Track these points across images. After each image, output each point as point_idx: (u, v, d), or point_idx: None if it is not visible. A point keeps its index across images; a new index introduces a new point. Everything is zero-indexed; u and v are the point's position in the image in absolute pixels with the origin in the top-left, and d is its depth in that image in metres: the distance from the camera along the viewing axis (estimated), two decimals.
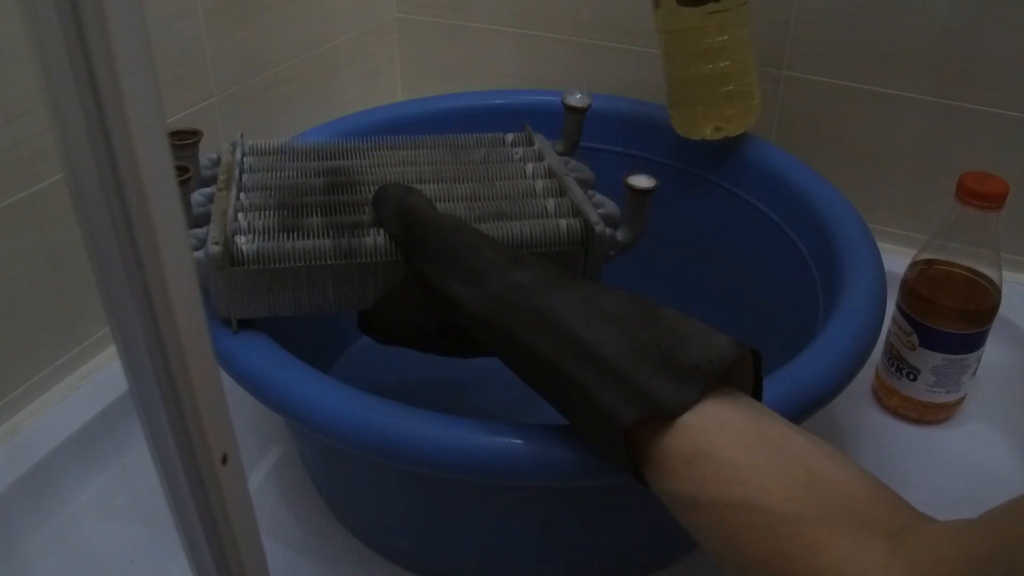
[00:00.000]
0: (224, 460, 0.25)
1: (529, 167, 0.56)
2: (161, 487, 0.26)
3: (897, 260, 0.66)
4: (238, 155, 0.55)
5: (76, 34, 0.18)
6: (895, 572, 0.29)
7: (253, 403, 0.45)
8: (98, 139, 0.19)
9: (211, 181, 0.53)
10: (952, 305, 0.60)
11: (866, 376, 0.68)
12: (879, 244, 0.56)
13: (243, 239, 0.47)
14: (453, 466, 0.41)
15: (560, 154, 0.60)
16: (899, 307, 0.63)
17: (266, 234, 0.47)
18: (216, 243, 0.46)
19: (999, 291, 0.60)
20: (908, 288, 0.62)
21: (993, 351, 0.67)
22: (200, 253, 0.46)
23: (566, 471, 0.41)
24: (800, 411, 0.43)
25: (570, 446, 0.41)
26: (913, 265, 0.62)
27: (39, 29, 0.18)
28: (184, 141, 0.51)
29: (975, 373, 0.63)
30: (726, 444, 0.34)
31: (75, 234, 0.59)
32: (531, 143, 0.59)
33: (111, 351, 0.66)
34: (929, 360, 0.62)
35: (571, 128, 0.61)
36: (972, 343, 0.61)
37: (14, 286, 0.58)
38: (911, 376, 0.63)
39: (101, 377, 0.64)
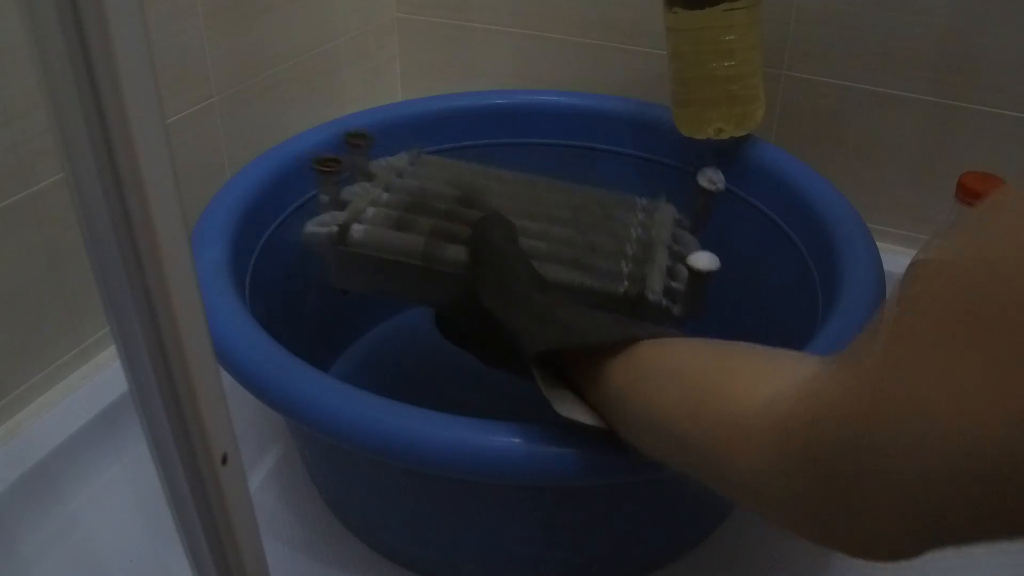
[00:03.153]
0: (224, 460, 0.25)
1: (634, 232, 0.58)
2: (161, 487, 0.26)
3: (897, 260, 0.66)
4: (406, 161, 0.62)
5: (76, 34, 0.18)
6: (808, 363, 0.30)
7: (253, 403, 0.45)
8: (98, 139, 0.19)
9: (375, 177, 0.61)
10: None
11: None
12: (879, 244, 0.56)
13: (358, 226, 0.53)
14: (453, 465, 0.41)
15: (689, 231, 0.62)
16: None
17: (381, 225, 0.53)
18: (337, 224, 0.53)
19: None
20: None
21: None
22: (325, 229, 0.53)
23: (565, 471, 0.41)
24: None
25: (569, 446, 0.41)
26: None
27: (39, 29, 0.18)
28: (325, 168, 0.57)
29: None
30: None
31: (75, 234, 0.59)
32: (654, 212, 0.62)
33: (111, 351, 0.66)
34: None
35: (699, 207, 0.63)
36: None
37: (14, 286, 0.58)
38: None
39: (101, 377, 0.64)
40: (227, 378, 0.45)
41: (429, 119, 0.71)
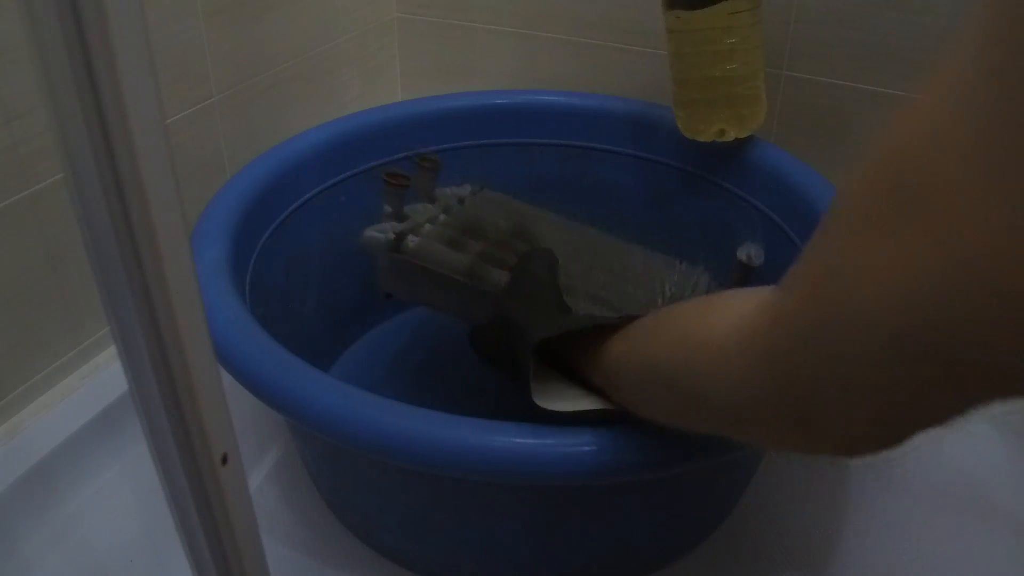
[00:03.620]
0: (224, 460, 0.25)
1: (669, 290, 0.61)
2: (161, 487, 0.26)
3: None
4: (468, 191, 0.66)
5: (76, 34, 0.18)
6: (767, 295, 0.32)
7: (253, 403, 0.45)
8: (98, 139, 0.19)
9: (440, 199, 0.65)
10: None
11: None
12: None
13: (413, 237, 0.58)
14: (454, 465, 0.41)
15: None
16: None
17: (433, 241, 0.57)
18: (394, 232, 0.57)
19: None
20: None
21: None
22: (382, 235, 0.58)
23: (566, 471, 0.41)
24: None
25: (571, 446, 0.41)
26: None
27: (39, 29, 0.18)
28: (393, 182, 0.61)
29: None
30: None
31: (75, 234, 0.59)
32: (691, 276, 0.63)
33: (111, 351, 0.66)
34: None
35: (736, 279, 0.64)
36: None
37: (14, 286, 0.58)
38: None
39: (101, 377, 0.64)
40: (226, 377, 0.45)
41: (429, 119, 0.71)
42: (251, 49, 0.73)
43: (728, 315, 0.33)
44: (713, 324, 0.34)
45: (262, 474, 0.60)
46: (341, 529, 0.56)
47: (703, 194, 0.69)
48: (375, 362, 0.64)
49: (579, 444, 0.41)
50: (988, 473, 0.61)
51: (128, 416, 0.60)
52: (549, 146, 0.73)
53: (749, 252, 0.64)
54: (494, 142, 0.72)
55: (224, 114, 0.72)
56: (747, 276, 0.64)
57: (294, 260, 0.64)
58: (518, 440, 0.41)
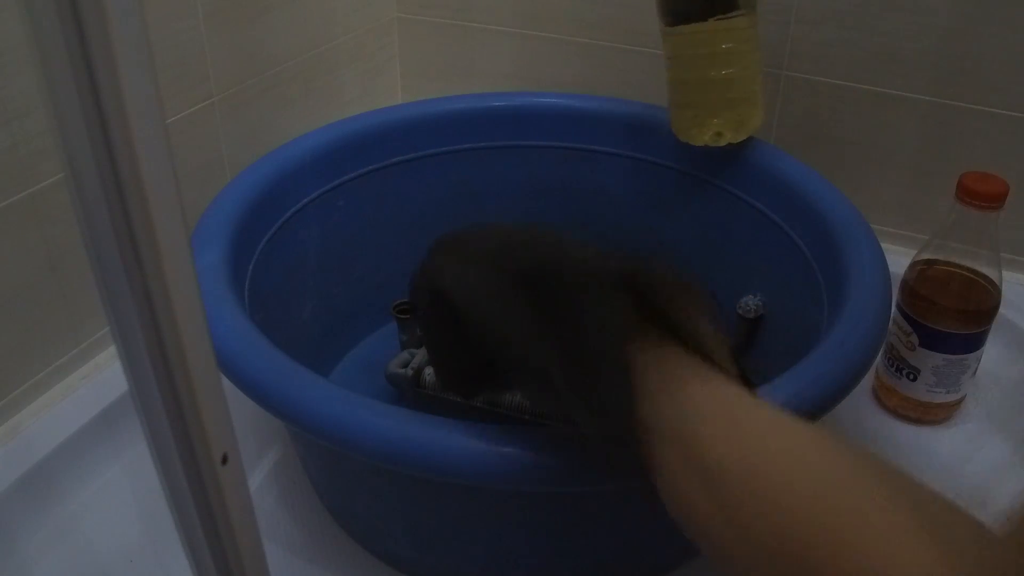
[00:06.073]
0: (224, 460, 0.25)
1: None
2: (161, 487, 0.26)
3: (897, 260, 0.66)
4: None
5: (76, 34, 0.18)
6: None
7: (249, 405, 0.45)
8: (98, 139, 0.19)
9: None
10: (952, 305, 0.60)
11: (866, 376, 0.68)
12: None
13: (430, 370, 0.60)
14: (461, 472, 0.41)
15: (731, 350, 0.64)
16: (899, 307, 0.63)
17: None
18: (413, 368, 0.60)
19: (999, 291, 0.60)
20: (908, 288, 0.62)
21: (993, 351, 0.67)
22: (403, 371, 0.61)
23: (571, 476, 0.41)
24: (810, 413, 0.43)
25: (575, 451, 0.40)
26: (913, 265, 0.62)
27: (39, 29, 0.18)
28: (402, 315, 0.63)
29: (975, 373, 0.63)
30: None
31: (75, 234, 0.59)
32: None
33: (111, 351, 0.66)
34: (929, 360, 0.62)
35: (740, 333, 0.65)
36: (972, 343, 0.61)
37: (14, 286, 0.58)
38: (911, 376, 0.63)
39: (101, 377, 0.64)
40: (225, 379, 0.45)
41: (428, 121, 0.70)
42: (251, 49, 0.73)
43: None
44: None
45: (261, 475, 0.60)
46: (341, 534, 0.56)
47: (703, 196, 0.69)
48: (375, 367, 0.64)
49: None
50: (988, 473, 0.61)
51: (128, 416, 0.60)
52: (548, 148, 0.73)
53: (748, 305, 0.65)
54: (493, 144, 0.72)
55: (224, 114, 0.72)
56: (754, 328, 0.65)
57: (293, 264, 0.63)
58: (524, 446, 0.40)
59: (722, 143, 0.65)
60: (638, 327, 0.35)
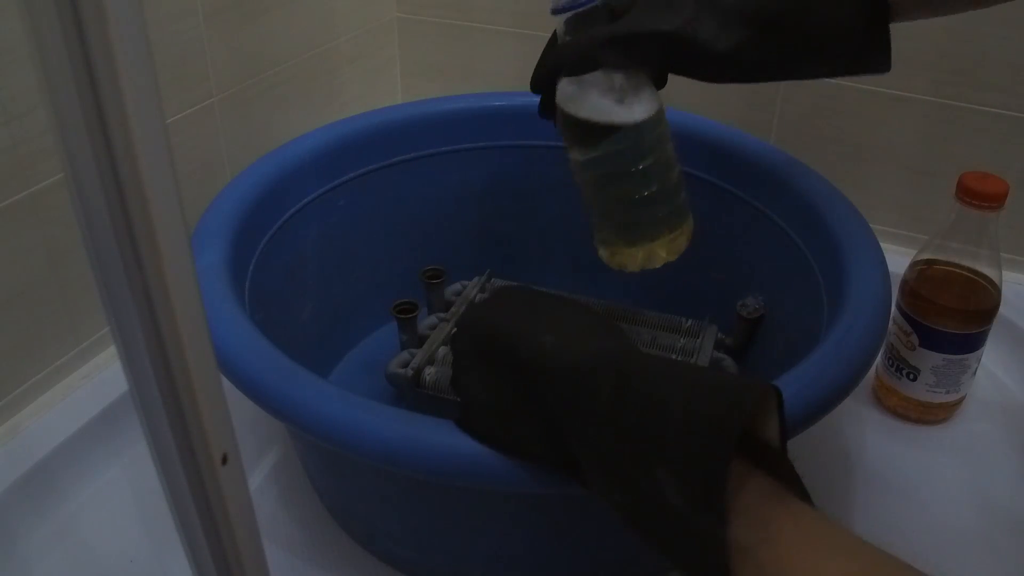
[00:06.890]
0: (224, 460, 0.25)
1: (675, 357, 0.62)
2: (161, 487, 0.26)
3: (897, 260, 0.66)
4: (474, 292, 0.67)
5: (76, 34, 0.18)
6: None
7: (248, 405, 0.45)
8: (98, 139, 0.19)
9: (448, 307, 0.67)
10: (952, 305, 0.60)
11: (866, 376, 0.68)
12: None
13: (430, 369, 0.60)
14: (457, 472, 0.41)
15: (731, 350, 0.65)
16: (899, 307, 0.63)
17: (448, 368, 0.56)
18: (413, 368, 0.59)
19: (999, 291, 0.60)
20: (908, 288, 0.62)
21: (993, 351, 0.67)
22: (403, 371, 0.60)
23: (570, 478, 0.41)
24: (810, 413, 0.43)
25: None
26: (913, 265, 0.62)
27: (39, 29, 0.18)
28: (404, 316, 0.64)
29: (975, 373, 0.63)
30: None
31: (75, 234, 0.59)
32: (698, 335, 0.64)
33: (111, 351, 0.66)
34: (929, 360, 0.62)
35: (740, 332, 0.65)
36: (972, 343, 0.61)
37: (14, 286, 0.58)
38: (911, 376, 0.63)
39: (101, 377, 0.64)
40: (225, 379, 0.45)
41: (428, 121, 0.70)
42: (251, 49, 0.73)
43: None
44: None
45: (261, 475, 0.60)
46: (341, 533, 0.56)
47: (703, 196, 0.69)
48: (375, 367, 0.64)
49: None
50: (988, 473, 0.61)
51: (128, 416, 0.60)
52: (549, 148, 0.73)
53: (748, 305, 0.65)
54: (494, 144, 0.72)
55: (224, 114, 0.72)
56: (753, 328, 0.65)
57: (293, 264, 0.63)
58: None
59: (655, 265, 0.56)
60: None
